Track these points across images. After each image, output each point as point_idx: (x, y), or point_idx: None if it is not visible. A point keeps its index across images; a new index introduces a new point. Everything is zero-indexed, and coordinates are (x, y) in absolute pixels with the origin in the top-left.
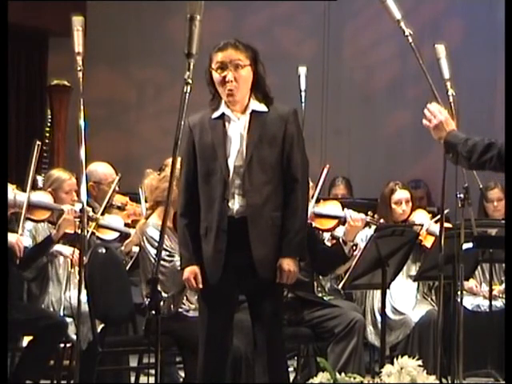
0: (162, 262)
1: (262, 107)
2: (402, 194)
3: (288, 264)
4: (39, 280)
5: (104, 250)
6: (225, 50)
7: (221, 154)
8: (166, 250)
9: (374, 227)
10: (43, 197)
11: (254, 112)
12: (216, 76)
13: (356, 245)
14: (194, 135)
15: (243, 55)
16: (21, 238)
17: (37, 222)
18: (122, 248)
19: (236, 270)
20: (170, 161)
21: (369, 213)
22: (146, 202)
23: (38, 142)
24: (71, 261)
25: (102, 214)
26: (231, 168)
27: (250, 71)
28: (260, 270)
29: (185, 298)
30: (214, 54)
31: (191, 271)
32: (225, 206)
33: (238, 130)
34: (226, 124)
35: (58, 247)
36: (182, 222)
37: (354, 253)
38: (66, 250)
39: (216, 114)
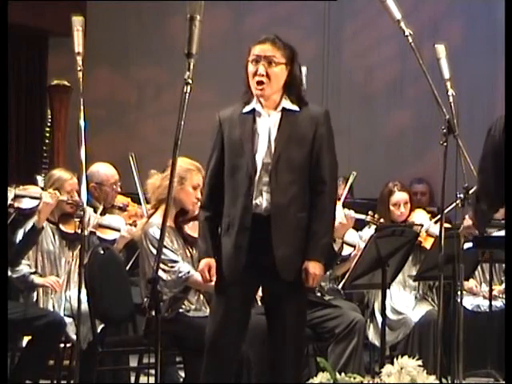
0: (162, 266)
1: (294, 107)
2: (400, 196)
3: (314, 267)
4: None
5: (104, 251)
6: (263, 44)
7: (248, 150)
8: (169, 250)
9: (374, 227)
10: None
11: (285, 110)
12: (250, 68)
13: (345, 243)
14: (224, 129)
15: (279, 53)
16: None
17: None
18: (115, 245)
19: (255, 270)
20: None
21: (369, 212)
22: (147, 202)
23: None
24: (54, 285)
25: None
26: (259, 164)
27: (283, 70)
28: (281, 271)
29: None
30: (253, 47)
31: (206, 263)
32: (249, 203)
33: (267, 126)
34: (257, 119)
35: (36, 279)
36: (203, 215)
37: (351, 252)
38: (42, 280)
39: (247, 109)
